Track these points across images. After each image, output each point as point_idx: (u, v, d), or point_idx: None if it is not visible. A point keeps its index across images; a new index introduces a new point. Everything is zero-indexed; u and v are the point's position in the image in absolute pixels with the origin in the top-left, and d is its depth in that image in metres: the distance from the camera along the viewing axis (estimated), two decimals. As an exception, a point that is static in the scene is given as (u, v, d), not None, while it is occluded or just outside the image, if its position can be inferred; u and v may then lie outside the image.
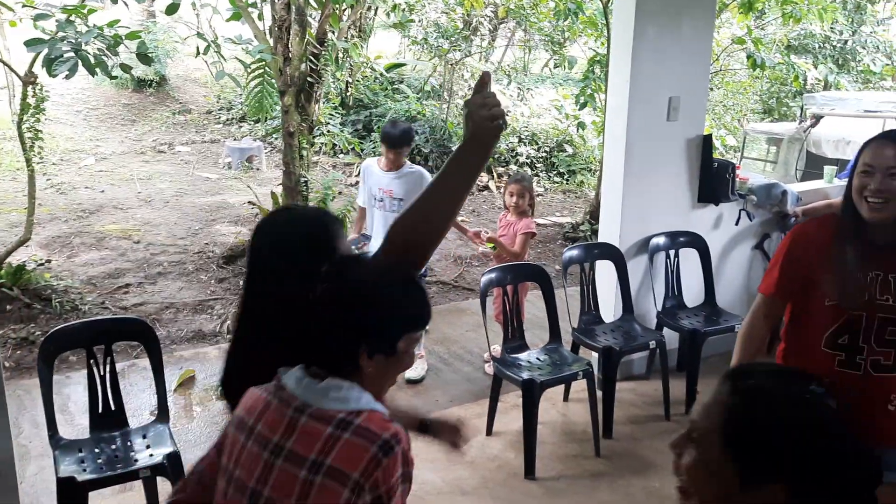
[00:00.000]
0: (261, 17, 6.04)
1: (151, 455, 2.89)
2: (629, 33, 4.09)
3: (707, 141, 4.52)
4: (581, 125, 8.76)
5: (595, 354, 4.10)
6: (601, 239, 4.50)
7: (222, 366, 1.75)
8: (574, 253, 4.22)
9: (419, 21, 11.54)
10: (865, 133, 7.83)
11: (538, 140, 10.54)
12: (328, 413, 1.37)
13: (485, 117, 1.49)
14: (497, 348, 4.06)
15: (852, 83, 11.50)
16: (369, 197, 4.41)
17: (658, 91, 4.24)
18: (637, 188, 4.32)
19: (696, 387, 4.16)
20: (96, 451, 2.91)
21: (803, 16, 7.13)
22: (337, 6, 5.95)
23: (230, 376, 1.75)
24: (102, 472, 2.77)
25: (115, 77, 5.49)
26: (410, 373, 4.42)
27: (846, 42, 11.94)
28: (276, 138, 9.95)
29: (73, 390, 4.24)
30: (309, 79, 5.86)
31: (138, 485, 3.11)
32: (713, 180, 4.54)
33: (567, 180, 10.14)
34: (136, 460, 2.87)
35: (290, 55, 5.74)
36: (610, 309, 4.38)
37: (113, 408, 3.04)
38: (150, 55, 4.50)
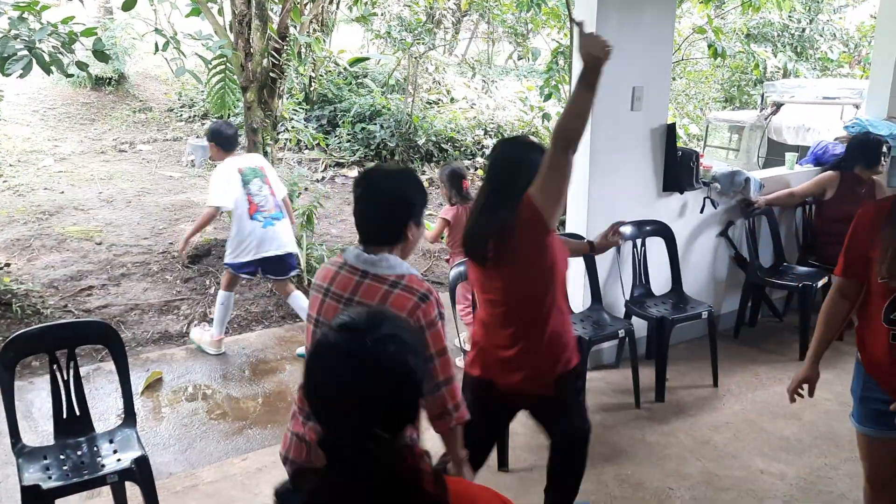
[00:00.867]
0: (221, 12, 5.95)
1: (119, 460, 2.84)
2: (591, 23, 4.09)
3: (671, 130, 4.56)
4: (546, 116, 8.79)
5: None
6: (568, 230, 4.51)
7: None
8: (542, 244, 4.23)
9: (382, 15, 11.48)
10: (824, 120, 8.00)
11: (504, 132, 10.55)
12: (382, 276, 2.02)
13: (599, 46, 2.32)
14: (465, 336, 4.05)
15: (811, 70, 11.68)
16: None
17: (621, 81, 4.26)
18: (603, 178, 4.34)
19: (665, 374, 4.20)
20: (62, 457, 2.85)
21: (762, 4, 7.22)
22: (298, 0, 5.88)
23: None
24: (68, 479, 2.72)
25: (72, 75, 5.37)
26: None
27: (804, 30, 12.12)
28: (239, 135, 9.83)
29: (36, 396, 4.15)
30: (271, 74, 5.79)
31: (106, 490, 3.06)
32: (677, 169, 4.58)
33: (533, 172, 10.18)
34: (103, 466, 2.81)
35: (252, 50, 5.67)
36: (579, 299, 4.40)
37: (78, 413, 2.98)
38: (107, 52, 4.41)
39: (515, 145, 2.75)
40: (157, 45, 5.44)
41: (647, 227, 4.53)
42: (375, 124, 10.19)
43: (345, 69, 11.48)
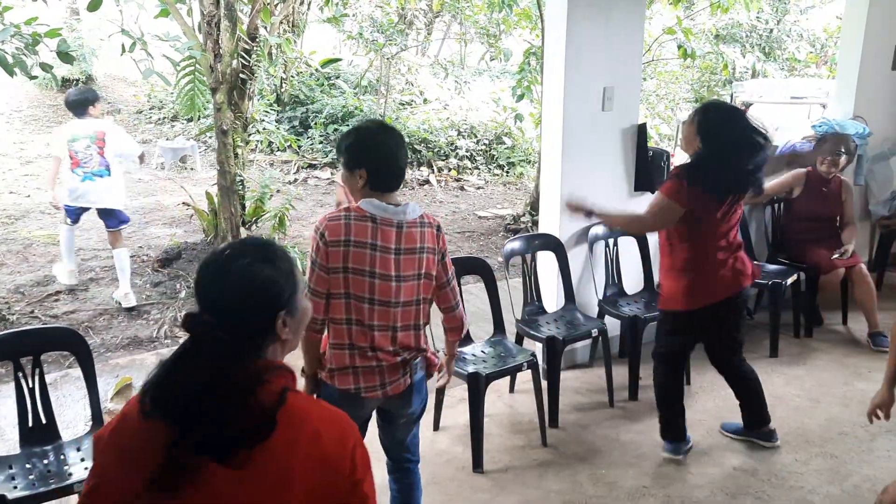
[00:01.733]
0: (189, 13, 5.88)
1: (86, 468, 2.78)
2: (562, 25, 4.11)
3: (642, 130, 4.58)
4: (518, 117, 8.81)
5: (539, 345, 4.12)
6: (541, 230, 4.52)
7: None
8: (515, 245, 4.23)
9: (354, 16, 11.43)
10: (793, 119, 8.11)
11: (477, 133, 10.56)
12: (415, 221, 2.43)
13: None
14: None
15: (779, 71, 11.83)
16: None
17: (592, 82, 4.27)
18: (575, 178, 4.35)
19: (638, 372, 4.22)
20: (28, 466, 2.79)
21: (730, 5, 7.29)
22: (268, 1, 5.84)
23: None
24: (35, 489, 2.66)
25: (35, 77, 5.27)
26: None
27: (771, 31, 12.28)
28: (209, 137, 9.74)
29: (1, 404, 4.06)
30: (241, 75, 5.74)
31: (74, 499, 2.99)
32: (649, 168, 4.61)
33: (507, 172, 10.19)
34: (70, 474, 2.76)
35: (221, 51, 5.61)
36: (552, 299, 4.41)
37: (44, 421, 2.92)
38: (71, 54, 4.33)
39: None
40: (123, 46, 5.36)
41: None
42: (348, 125, 10.12)
43: (316, 70, 11.42)
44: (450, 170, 9.96)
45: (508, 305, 4.10)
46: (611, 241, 4.52)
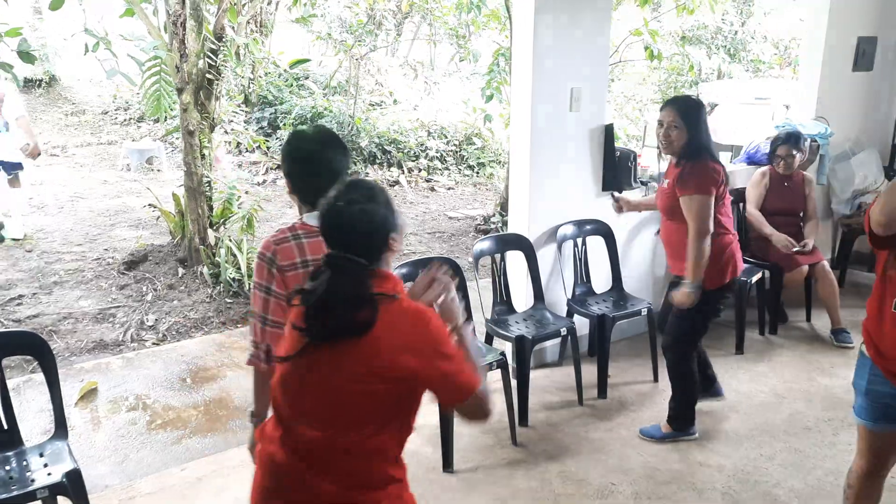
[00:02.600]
0: (155, 12, 5.81)
1: (49, 474, 2.74)
2: (530, 26, 4.12)
3: (609, 130, 4.62)
4: (488, 118, 8.83)
5: (509, 344, 4.13)
6: (511, 230, 4.54)
7: None
8: (485, 245, 4.24)
9: (322, 16, 11.38)
10: (757, 119, 8.23)
11: (447, 134, 10.57)
12: None
13: None
14: None
15: (743, 72, 12.01)
16: None
17: (560, 82, 4.30)
18: (544, 178, 4.38)
19: (606, 371, 4.26)
20: (-12, 473, 2.73)
21: (696, 7, 7.39)
22: (234, 1, 5.79)
23: None
24: (-4, 496, 2.61)
25: (-4, 77, 5.18)
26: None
27: (736, 33, 12.46)
28: (176, 138, 9.63)
29: (-38, 411, 3.98)
30: (208, 75, 5.68)
31: (37, 507, 2.94)
32: (616, 169, 4.65)
33: (477, 173, 10.22)
34: (33, 480, 2.71)
35: (187, 51, 5.55)
36: (522, 298, 4.43)
37: (6, 426, 2.87)
38: (32, 54, 4.24)
39: None
40: (87, 45, 5.28)
41: (588, 227, 4.58)
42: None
43: (285, 71, 11.35)
44: (420, 171, 9.95)
45: (478, 305, 4.11)
46: (579, 240, 4.55)
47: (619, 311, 4.37)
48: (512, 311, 4.31)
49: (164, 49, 5.51)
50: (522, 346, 3.91)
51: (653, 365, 4.43)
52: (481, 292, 4.21)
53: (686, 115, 3.45)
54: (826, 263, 5.05)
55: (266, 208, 7.95)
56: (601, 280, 4.67)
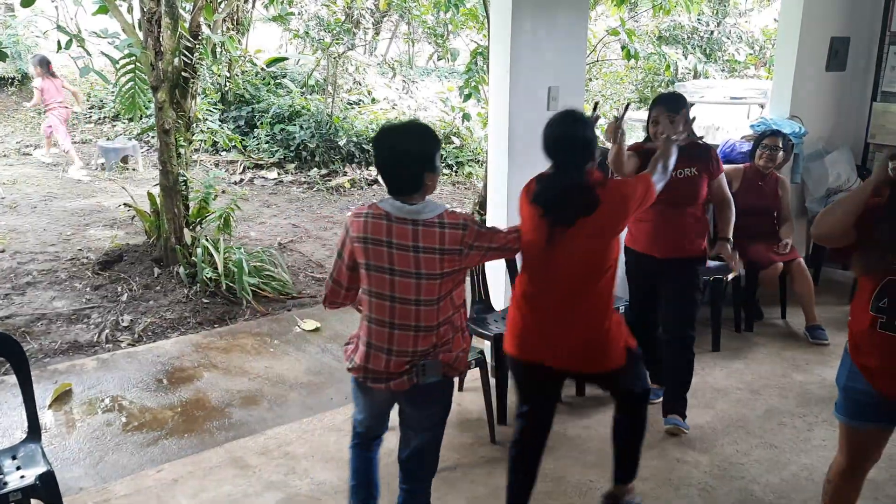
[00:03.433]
0: (130, 9, 5.74)
1: (23, 477, 2.70)
2: (507, 25, 4.13)
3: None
4: (466, 116, 8.84)
5: (488, 343, 4.13)
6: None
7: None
8: (463, 243, 4.23)
9: (299, 14, 11.31)
10: (732, 118, 8.30)
11: (425, 133, 10.55)
12: (430, 221, 2.48)
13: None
14: None
15: (719, 72, 12.12)
16: None
17: (537, 81, 4.31)
18: (522, 177, 4.32)
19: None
20: (-41, 477, 2.69)
21: (672, 7, 7.44)
22: (210, -2, 5.74)
23: None
24: (-33, 500, 2.57)
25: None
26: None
27: (712, 33, 12.57)
28: (152, 137, 9.53)
29: (-68, 414, 3.92)
30: (183, 73, 5.62)
31: (9, 511, 2.90)
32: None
33: (455, 172, 10.22)
34: (5, 483, 2.67)
35: (162, 49, 5.49)
36: (500, 297, 4.43)
37: (-23, 430, 2.82)
38: (4, 51, 4.19)
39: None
40: (59, 43, 5.21)
41: (566, 225, 4.58)
42: (295, 125, 10.04)
43: (262, 69, 11.28)
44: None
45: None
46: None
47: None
48: (490, 309, 4.31)
49: (138, 47, 5.45)
50: (501, 345, 3.91)
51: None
52: (460, 291, 4.21)
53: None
54: (801, 261, 5.11)
55: (244, 208, 7.90)
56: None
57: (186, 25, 5.60)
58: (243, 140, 9.98)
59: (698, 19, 12.35)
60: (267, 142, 9.92)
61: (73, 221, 7.39)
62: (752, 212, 5.15)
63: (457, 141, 10.58)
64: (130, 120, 10.44)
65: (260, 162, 9.74)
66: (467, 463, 3.57)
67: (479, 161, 10.20)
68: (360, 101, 11.54)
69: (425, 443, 2.73)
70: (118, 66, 5.69)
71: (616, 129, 3.47)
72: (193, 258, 5.68)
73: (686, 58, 10.48)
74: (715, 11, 12.73)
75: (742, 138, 5.74)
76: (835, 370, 3.98)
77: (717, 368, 4.58)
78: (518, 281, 2.89)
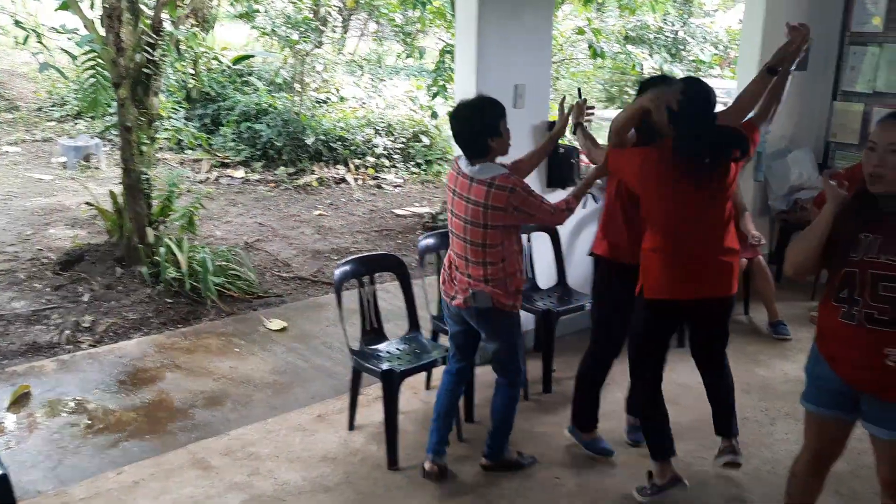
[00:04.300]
0: (92, 6, 5.64)
1: (-21, 481, 2.63)
2: (473, 23, 4.12)
3: (552, 127, 4.64)
4: (434, 114, 8.82)
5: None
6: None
7: None
8: (430, 241, 4.21)
9: (266, 11, 11.20)
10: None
11: (394, 131, 10.51)
12: (482, 180, 3.05)
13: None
14: None
15: (685, 71, 12.21)
16: None
17: (504, 79, 4.31)
18: (488, 175, 4.37)
19: (551, 365, 4.29)
20: None
21: (637, 7, 7.49)
22: (173, -7, 5.66)
23: None
24: (-82, 506, 2.49)
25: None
26: None
27: (677, 33, 12.69)
28: (115, 134, 9.37)
29: None
30: (145, 70, 5.53)
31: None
32: (560, 165, 4.68)
33: (424, 170, 10.20)
34: (-40, 489, 2.60)
35: (123, 45, 5.40)
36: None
37: (-72, 434, 2.75)
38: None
39: None
40: (15, 38, 5.09)
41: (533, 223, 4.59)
42: (262, 123, 9.93)
43: (229, 67, 11.15)
44: (367, 168, 9.88)
45: (424, 302, 4.10)
46: (524, 236, 4.56)
47: (564, 306, 4.40)
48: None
49: (99, 42, 5.35)
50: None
51: (597, 359, 4.47)
52: (428, 289, 4.20)
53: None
54: (762, 258, 5.18)
55: (209, 207, 7.81)
56: (546, 276, 4.70)
57: (149, 21, 5.51)
58: (209, 138, 9.85)
59: (664, 19, 12.46)
60: (233, 140, 9.81)
61: (34, 221, 7.24)
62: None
63: (426, 139, 10.56)
64: (93, 117, 10.27)
65: (226, 160, 9.63)
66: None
67: (447, 159, 10.20)
68: (328, 99, 11.46)
69: (497, 350, 3.33)
70: (79, 63, 5.59)
71: (581, 109, 3.58)
72: (156, 257, 5.59)
73: (652, 57, 10.56)
74: (680, 12, 12.86)
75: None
76: (797, 365, 4.05)
77: (682, 364, 4.59)
78: (654, 236, 3.14)
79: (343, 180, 9.47)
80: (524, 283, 3.39)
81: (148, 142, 5.71)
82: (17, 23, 5.12)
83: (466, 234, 3.12)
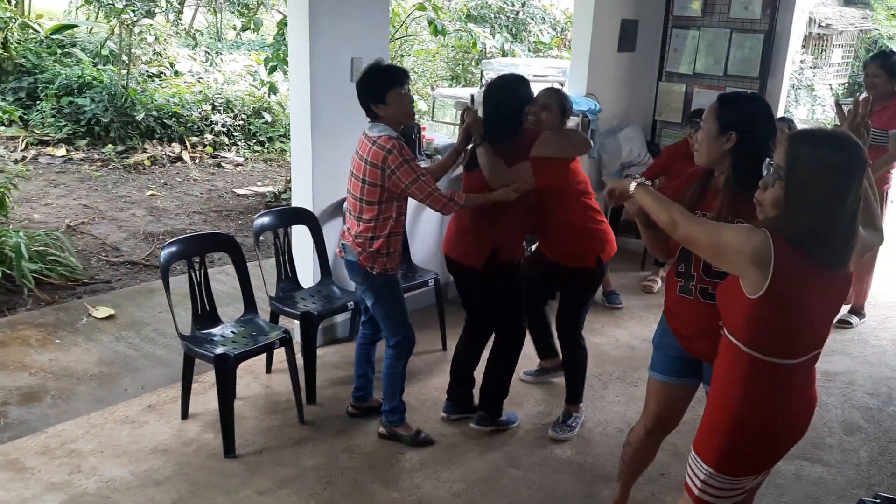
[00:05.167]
0: None
1: None
2: (305, -7, 3.98)
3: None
4: (272, 89, 8.53)
5: (297, 322, 4.01)
6: (295, 203, 4.40)
7: None
8: (266, 220, 4.05)
9: (88, -23, 10.40)
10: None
11: (234, 108, 10.09)
12: (371, 137, 3.19)
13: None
14: None
15: (525, 52, 12.55)
16: None
17: (339, 51, 4.20)
18: (327, 149, 4.27)
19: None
20: None
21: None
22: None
23: None
24: None
25: None
26: None
27: (518, 13, 12.98)
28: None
29: None
30: (-60, 34, 4.95)
31: None
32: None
33: (267, 149, 9.87)
34: None
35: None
36: (308, 274, 4.32)
37: None
38: None
39: None
40: None
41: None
42: (85, 97, 9.22)
43: (47, 37, 10.27)
44: (205, 146, 9.42)
45: (262, 284, 3.95)
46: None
47: (408, 282, 4.38)
48: (298, 287, 4.18)
49: None
50: (308, 323, 3.81)
51: (441, 334, 4.51)
52: (268, 270, 4.05)
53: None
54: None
55: (26, 188, 7.18)
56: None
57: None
58: (24, 114, 9.04)
59: (504, 0, 12.70)
60: (53, 116, 9.04)
61: None
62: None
63: (268, 116, 10.22)
64: None
65: (45, 138, 8.86)
66: (274, 446, 3.45)
67: (290, 137, 9.93)
68: (162, 73, 10.82)
69: (373, 307, 3.42)
70: None
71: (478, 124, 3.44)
72: (-39, 244, 5.05)
73: (494, 37, 10.74)
74: (520, -7, 13.17)
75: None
76: (628, 332, 4.27)
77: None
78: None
79: (179, 159, 8.98)
80: (398, 258, 3.37)
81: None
82: None
83: (353, 187, 3.26)
